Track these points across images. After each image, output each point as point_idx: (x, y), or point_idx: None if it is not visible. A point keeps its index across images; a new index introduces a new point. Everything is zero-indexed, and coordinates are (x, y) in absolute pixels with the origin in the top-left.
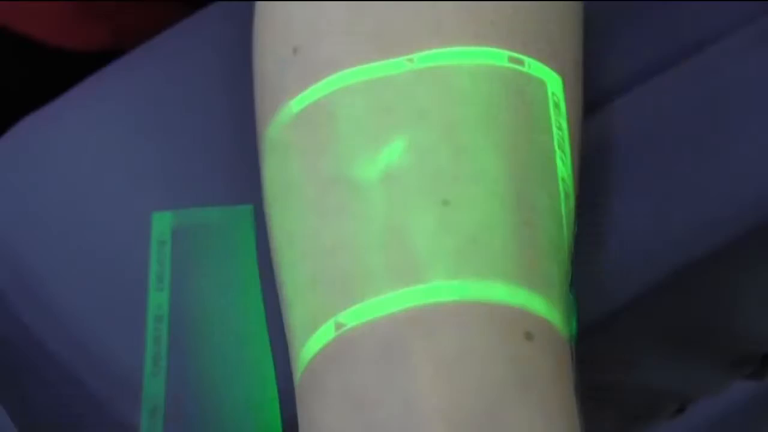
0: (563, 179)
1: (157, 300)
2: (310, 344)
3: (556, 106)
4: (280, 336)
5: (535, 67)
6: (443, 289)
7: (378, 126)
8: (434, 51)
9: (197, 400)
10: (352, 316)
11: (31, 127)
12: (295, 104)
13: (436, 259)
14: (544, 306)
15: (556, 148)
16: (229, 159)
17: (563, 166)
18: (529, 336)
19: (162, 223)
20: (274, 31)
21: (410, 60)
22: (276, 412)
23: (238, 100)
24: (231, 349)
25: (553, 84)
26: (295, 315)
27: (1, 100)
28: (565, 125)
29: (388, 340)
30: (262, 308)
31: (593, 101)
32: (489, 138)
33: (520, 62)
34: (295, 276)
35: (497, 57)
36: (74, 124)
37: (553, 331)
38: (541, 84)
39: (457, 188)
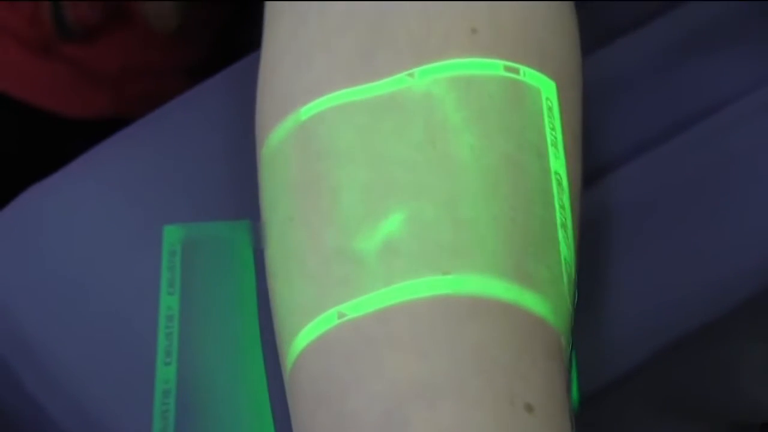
0: (556, 172)
1: (168, 302)
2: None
3: (550, 110)
4: (271, 343)
5: (529, 75)
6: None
7: (379, 199)
8: (433, 65)
9: (203, 387)
10: None
11: (33, 198)
12: (302, 114)
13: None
14: (544, 378)
15: (549, 145)
16: None
17: (556, 160)
18: (529, 408)
19: (173, 235)
20: (276, 99)
21: (411, 75)
22: (265, 401)
23: (239, 174)
24: (228, 350)
25: (547, 89)
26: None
27: (2, 165)
28: (558, 126)
29: (388, 410)
30: (256, 310)
31: (594, 171)
32: (489, 210)
33: (516, 71)
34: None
35: (493, 67)
36: (75, 195)
37: (556, 399)
38: (537, 91)
39: (456, 261)
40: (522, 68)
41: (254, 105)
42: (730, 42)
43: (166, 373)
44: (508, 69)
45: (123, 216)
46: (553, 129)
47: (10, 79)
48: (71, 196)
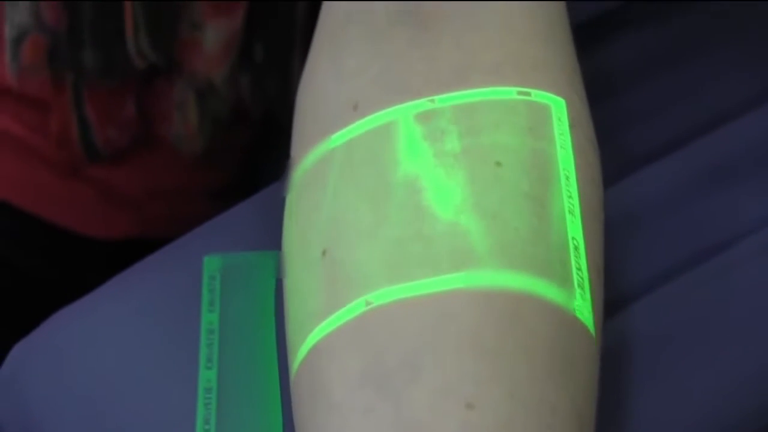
0: (565, 170)
1: (209, 318)
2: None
3: (559, 119)
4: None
5: (539, 96)
6: None
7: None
8: (453, 93)
9: (241, 387)
10: None
11: (63, 321)
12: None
13: None
14: None
15: (559, 148)
16: None
17: (566, 159)
18: None
19: (212, 264)
20: (303, 232)
21: (432, 101)
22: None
23: None
24: (260, 356)
25: (557, 105)
26: None
27: (29, 286)
28: (567, 131)
29: None
30: (274, 325)
31: (611, 305)
32: (513, 340)
33: (527, 94)
34: None
35: (507, 93)
36: (104, 320)
37: None
38: (547, 108)
39: (480, 391)
40: (533, 91)
41: (280, 231)
42: (745, 177)
43: (207, 375)
44: (520, 93)
45: (150, 341)
46: (562, 134)
47: (38, 200)
48: (100, 321)
